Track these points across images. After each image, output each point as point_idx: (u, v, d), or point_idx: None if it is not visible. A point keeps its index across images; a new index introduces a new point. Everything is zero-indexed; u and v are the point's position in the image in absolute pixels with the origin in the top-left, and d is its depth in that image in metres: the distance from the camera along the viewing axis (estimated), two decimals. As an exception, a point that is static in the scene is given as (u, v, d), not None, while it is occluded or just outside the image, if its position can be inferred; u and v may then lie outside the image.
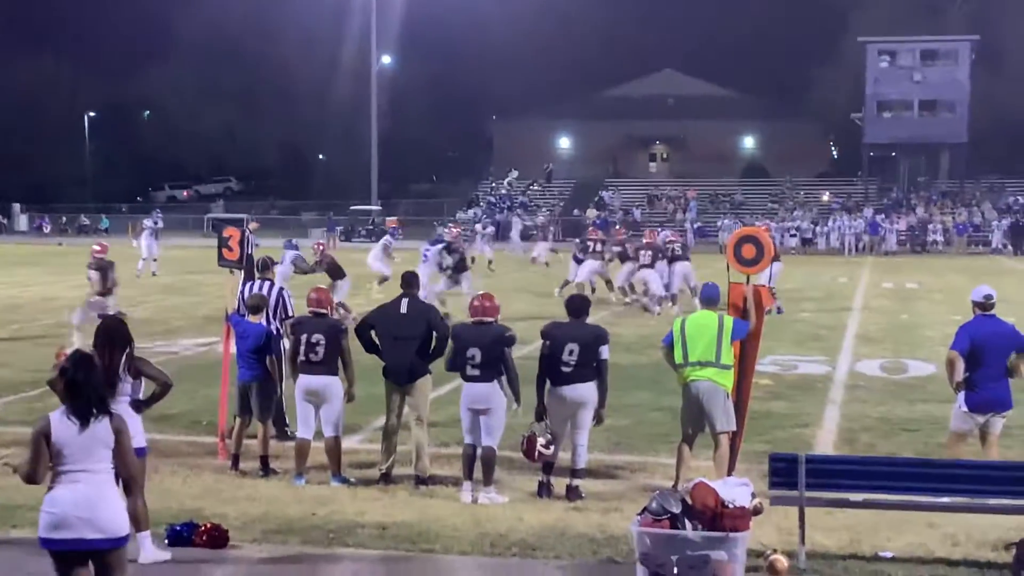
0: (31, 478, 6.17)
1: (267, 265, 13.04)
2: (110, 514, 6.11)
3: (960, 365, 9.66)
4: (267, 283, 12.57)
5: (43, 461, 6.13)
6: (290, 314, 12.21)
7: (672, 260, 25.12)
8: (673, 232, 32.76)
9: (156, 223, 36.89)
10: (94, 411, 6.10)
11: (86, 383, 6.17)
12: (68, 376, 6.23)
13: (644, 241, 26.42)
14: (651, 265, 24.87)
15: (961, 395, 9.82)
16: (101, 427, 6.10)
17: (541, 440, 9.75)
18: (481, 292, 10.49)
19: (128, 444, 6.29)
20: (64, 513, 6.03)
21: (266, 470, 10.62)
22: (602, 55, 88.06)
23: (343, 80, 75.92)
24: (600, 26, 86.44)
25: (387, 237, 28.17)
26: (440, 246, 24.72)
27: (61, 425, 6.09)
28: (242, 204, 75.21)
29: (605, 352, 9.88)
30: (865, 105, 66.87)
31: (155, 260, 35.08)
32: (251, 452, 10.84)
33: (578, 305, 10.26)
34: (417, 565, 8.16)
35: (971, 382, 9.70)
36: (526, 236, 50.73)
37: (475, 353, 9.80)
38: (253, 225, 30.52)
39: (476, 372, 9.84)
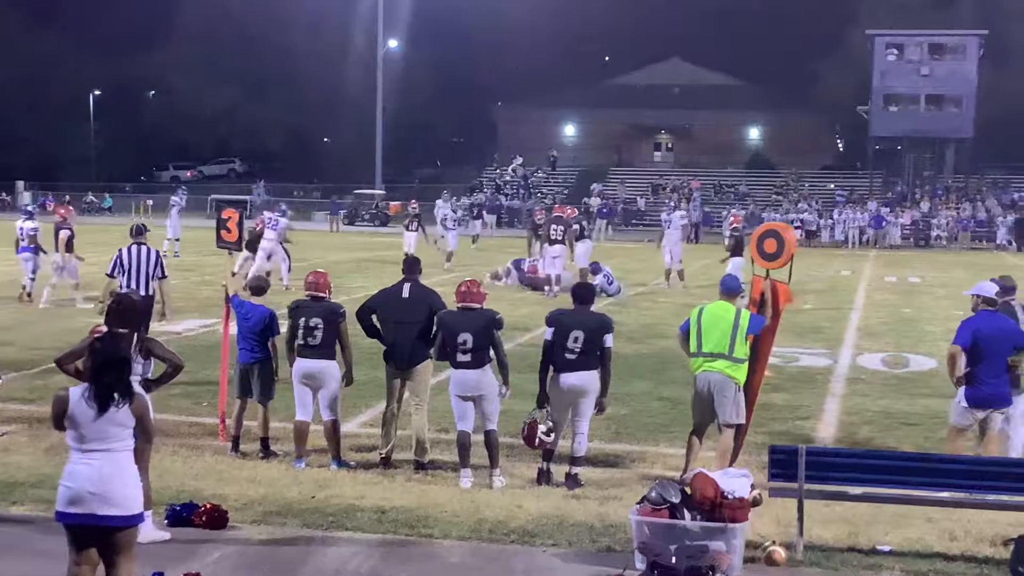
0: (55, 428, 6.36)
1: (141, 231, 14.55)
2: (125, 490, 6.12)
3: (962, 360, 9.71)
4: (142, 247, 14.06)
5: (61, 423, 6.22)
6: (165, 274, 14.25)
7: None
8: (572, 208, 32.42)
9: (183, 199, 36.82)
10: (115, 397, 6.08)
11: (114, 367, 6.14)
12: (98, 357, 6.20)
13: (554, 215, 26.58)
14: (562, 241, 25.13)
15: (961, 390, 9.87)
16: (121, 413, 6.10)
17: (542, 427, 9.74)
18: (468, 278, 10.47)
19: (149, 426, 6.32)
20: (79, 488, 6.05)
21: (267, 452, 10.64)
22: (608, 43, 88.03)
23: (349, 63, 75.79)
24: (607, 14, 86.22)
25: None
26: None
27: (79, 406, 6.09)
28: (285, 186, 75.15)
29: (609, 340, 9.87)
30: (871, 98, 66.65)
31: (177, 240, 35.25)
32: (252, 434, 10.85)
33: (585, 292, 10.27)
34: (415, 549, 8.17)
35: (972, 377, 9.75)
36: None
37: (467, 339, 9.75)
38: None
39: (467, 358, 9.78)
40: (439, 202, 46.60)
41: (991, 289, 10.14)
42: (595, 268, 25.83)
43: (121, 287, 13.62)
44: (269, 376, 10.80)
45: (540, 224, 27.82)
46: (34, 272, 21.90)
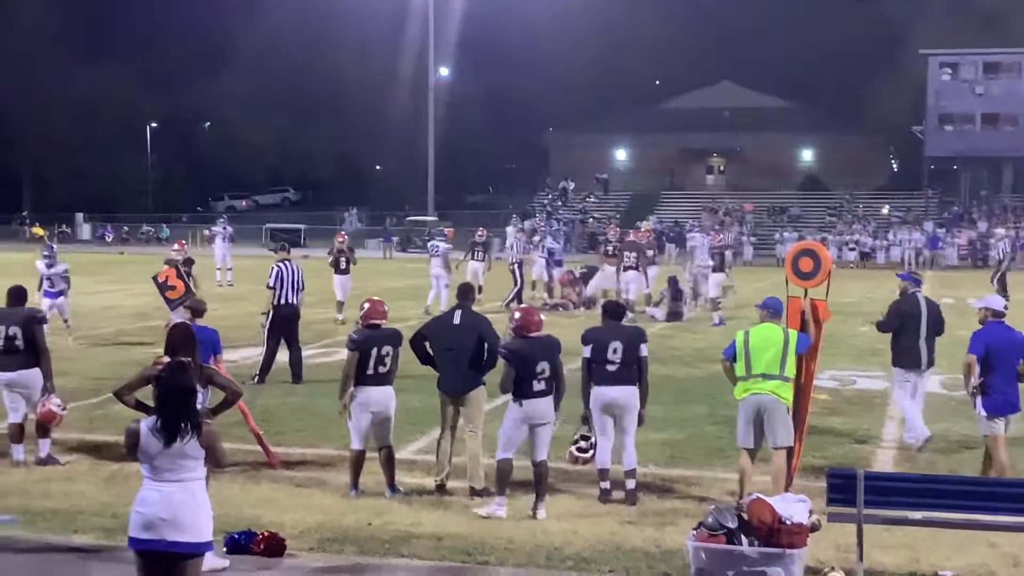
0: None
1: (286, 248, 17.66)
2: (196, 518, 6.16)
3: (977, 369, 10.13)
4: (291, 263, 16.67)
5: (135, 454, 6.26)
6: (305, 286, 16.84)
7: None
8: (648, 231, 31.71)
9: (226, 228, 36.71)
10: (182, 428, 6.10)
11: (180, 397, 6.18)
12: (163, 388, 6.25)
13: (628, 240, 26.34)
14: (635, 267, 24.92)
15: (979, 401, 10.20)
16: (190, 444, 6.14)
17: (581, 444, 9.79)
18: (524, 306, 10.59)
19: (220, 456, 6.34)
20: (151, 514, 6.10)
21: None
22: (659, 67, 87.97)
23: (400, 91, 76.49)
24: (657, 38, 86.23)
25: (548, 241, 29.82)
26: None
27: (149, 438, 6.13)
28: (374, 215, 76.19)
29: (644, 350, 10.10)
30: (926, 118, 66.15)
31: (229, 269, 35.21)
32: (307, 462, 10.88)
33: (615, 309, 10.60)
34: (472, 576, 8.18)
35: (986, 387, 10.15)
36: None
37: (544, 367, 9.75)
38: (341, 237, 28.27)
39: (543, 386, 9.77)
40: (509, 229, 45.15)
41: (999, 303, 10.63)
42: (673, 281, 25.81)
43: (277, 297, 16.29)
44: None
45: (612, 243, 27.56)
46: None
